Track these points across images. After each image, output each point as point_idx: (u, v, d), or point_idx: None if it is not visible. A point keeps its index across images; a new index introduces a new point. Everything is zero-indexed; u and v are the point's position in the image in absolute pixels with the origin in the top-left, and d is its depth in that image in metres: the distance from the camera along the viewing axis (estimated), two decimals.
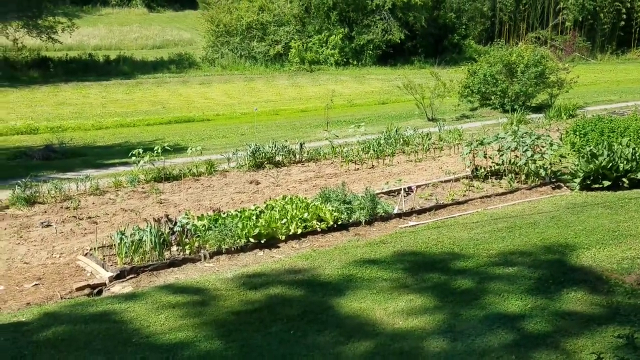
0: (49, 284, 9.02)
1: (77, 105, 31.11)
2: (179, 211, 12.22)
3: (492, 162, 14.24)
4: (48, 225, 11.79)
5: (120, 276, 8.95)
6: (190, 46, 51.42)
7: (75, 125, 26.03)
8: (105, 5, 68.14)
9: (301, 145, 17.56)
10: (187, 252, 9.67)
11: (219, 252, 9.72)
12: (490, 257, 8.95)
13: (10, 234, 11.37)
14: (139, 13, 66.85)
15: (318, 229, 10.64)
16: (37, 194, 13.51)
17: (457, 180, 13.86)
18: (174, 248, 9.76)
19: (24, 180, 13.62)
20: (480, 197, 12.63)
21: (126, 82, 38.59)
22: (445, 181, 13.88)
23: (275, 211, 10.73)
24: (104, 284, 8.81)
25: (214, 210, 11.18)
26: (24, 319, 7.52)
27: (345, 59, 46.03)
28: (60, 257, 10.16)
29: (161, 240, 9.48)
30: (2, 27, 41.44)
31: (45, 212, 12.77)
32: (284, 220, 10.45)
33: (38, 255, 10.30)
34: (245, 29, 46.34)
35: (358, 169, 16.26)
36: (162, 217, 10.13)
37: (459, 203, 12.26)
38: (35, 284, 9.01)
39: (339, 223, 10.92)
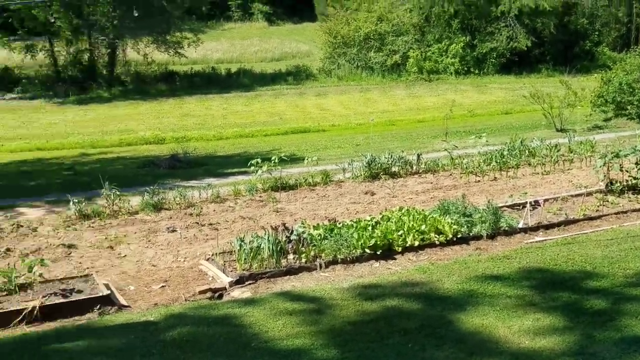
0: (174, 286, 9.34)
1: (200, 117, 32.37)
2: (295, 220, 12.32)
3: (629, 176, 13.28)
4: (173, 231, 12.26)
5: (239, 281, 9.11)
6: (307, 58, 52.28)
7: (198, 136, 27.06)
8: (228, 20, 70.69)
9: (418, 156, 17.19)
10: (304, 260, 9.70)
11: (334, 262, 9.68)
12: (627, 277, 8.36)
13: (140, 238, 11.92)
14: (260, 27, 68.79)
15: (436, 241, 10.36)
16: (164, 201, 14.09)
17: (589, 194, 13.02)
18: (291, 256, 9.82)
19: (152, 187, 14.28)
20: (616, 213, 11.85)
21: (246, 94, 39.77)
22: (576, 195, 13.10)
23: (392, 222, 10.56)
24: (224, 289, 9.00)
25: (329, 220, 11.17)
26: (152, 319, 7.80)
27: (466, 68, 44.98)
28: (184, 261, 10.51)
29: (278, 248, 9.58)
30: (134, 43, 44.01)
31: (171, 217, 13.29)
32: (401, 231, 10.26)
33: (164, 258, 10.71)
34: (362, 39, 46.43)
35: (479, 181, 15.75)
36: (279, 226, 10.24)
37: (591, 219, 11.54)
38: (162, 286, 9.35)
39: (459, 236, 10.57)
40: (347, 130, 28.11)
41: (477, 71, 44.97)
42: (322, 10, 60.45)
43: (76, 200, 13.37)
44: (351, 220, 10.90)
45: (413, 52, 44.84)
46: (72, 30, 41.04)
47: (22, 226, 12.83)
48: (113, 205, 13.67)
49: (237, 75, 44.86)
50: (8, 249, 11.39)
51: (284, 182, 15.60)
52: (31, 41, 42.32)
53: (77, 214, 13.28)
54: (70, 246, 11.52)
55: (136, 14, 26.09)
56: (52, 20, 39.67)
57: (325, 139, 25.56)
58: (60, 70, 42.13)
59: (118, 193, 13.72)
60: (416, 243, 10.20)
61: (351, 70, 45.63)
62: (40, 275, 8.97)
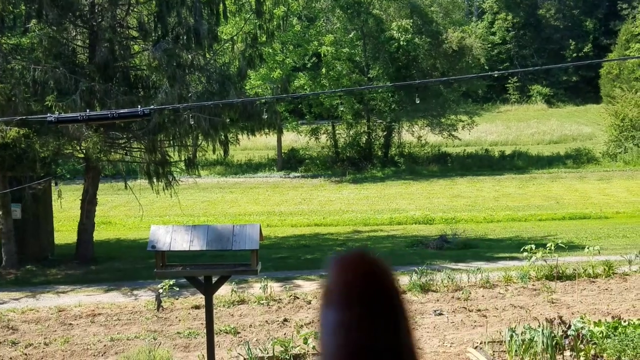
0: None
1: (471, 198, 32.07)
2: (572, 313, 11.37)
3: None
4: (440, 314, 12.06)
5: None
6: (589, 141, 49.38)
7: (468, 218, 26.74)
8: (505, 102, 70.23)
9: None
10: (582, 359, 8.79)
11: None
12: None
13: None
14: (538, 109, 67.08)
15: None
16: (431, 282, 14.03)
17: None
18: (567, 353, 9.02)
19: (420, 268, 14.32)
20: None
21: (519, 176, 38.65)
22: None
23: None
24: None
25: (613, 317, 10.09)
26: None
27: None
28: (450, 346, 10.22)
29: (554, 343, 8.85)
30: (409, 126, 45.73)
31: (438, 300, 13.12)
32: None
33: (430, 342, 10.53)
34: None
35: None
36: (554, 318, 9.51)
37: None
38: None
39: None
40: (634, 218, 25.63)
41: None
42: (608, 91, 57.22)
43: None
44: (639, 319, 9.71)
45: None
46: (353, 114, 44.06)
47: (298, 298, 13.64)
48: None
49: (511, 157, 43.95)
50: (285, 319, 12.14)
51: (560, 271, 14.59)
52: (316, 125, 46.26)
53: None
54: None
55: (417, 101, 27.17)
56: (336, 107, 43.17)
57: (608, 226, 23.56)
58: (340, 151, 45.23)
59: None
60: None
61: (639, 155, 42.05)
62: (314, 347, 9.31)
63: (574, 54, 72.70)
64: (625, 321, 9.69)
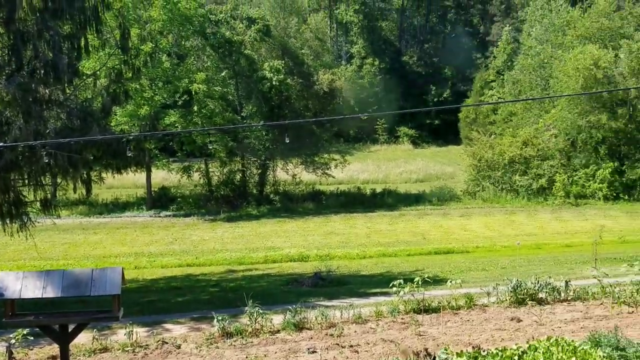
0: None
1: (344, 235, 32.96)
2: (438, 345, 11.99)
3: None
4: (314, 352, 12.23)
5: None
6: (451, 179, 52.39)
7: (342, 254, 27.42)
8: (375, 142, 73.06)
9: (567, 282, 16.40)
10: None
11: None
12: None
13: (280, 358, 11.99)
14: (405, 149, 70.37)
15: None
16: (305, 320, 14.17)
17: None
18: None
19: (294, 306, 14.44)
20: None
21: (390, 213, 40.21)
22: None
23: (539, 353, 9.98)
24: None
25: (473, 347, 10.78)
26: None
27: (615, 194, 43.31)
28: None
29: None
30: (284, 164, 46.44)
31: (312, 338, 13.33)
32: None
33: None
34: (507, 163, 46.17)
35: (632, 312, 14.65)
36: (421, 351, 10.02)
37: None
38: None
39: None
40: (492, 252, 27.41)
41: (626, 197, 43.18)
42: (466, 134, 61.05)
43: (220, 318, 13.65)
44: (496, 349, 10.43)
45: (559, 176, 43.94)
46: (227, 152, 44.07)
47: (166, 343, 13.23)
48: (255, 323, 13.82)
49: (382, 195, 45.68)
50: None
51: (427, 305, 15.32)
52: (188, 162, 45.75)
53: (220, 331, 13.51)
54: None
55: (287, 140, 27.47)
56: (209, 144, 43.02)
57: (469, 260, 25.03)
58: (214, 189, 44.94)
59: (261, 311, 13.92)
60: None
61: (496, 193, 45.25)
62: None
63: (435, 99, 77.45)
64: (484, 351, 10.36)
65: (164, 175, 46.89)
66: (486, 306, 15.61)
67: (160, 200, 43.71)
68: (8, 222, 17.98)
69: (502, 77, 65.60)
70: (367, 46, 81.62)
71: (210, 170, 45.49)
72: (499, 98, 63.75)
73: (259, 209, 42.33)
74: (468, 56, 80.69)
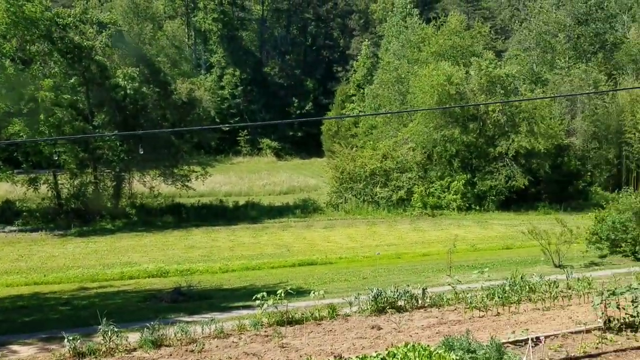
0: None
1: (206, 249, 32.26)
2: (300, 356, 11.94)
3: (626, 314, 13.39)
4: None
5: None
6: (315, 192, 53.04)
7: (204, 269, 26.79)
8: (237, 154, 72.64)
9: (424, 290, 17.07)
10: None
11: None
12: None
13: None
14: (268, 161, 70.56)
15: None
16: (164, 337, 13.72)
17: (588, 331, 12.95)
18: None
19: (152, 323, 13.91)
20: (615, 351, 11.85)
21: (253, 226, 39.94)
22: (576, 332, 13.05)
23: (398, 358, 10.18)
24: None
25: (335, 356, 10.80)
26: None
27: (467, 204, 45.71)
28: None
29: None
30: (141, 176, 44.75)
31: (171, 355, 12.87)
32: None
33: None
34: (368, 175, 47.40)
35: (483, 316, 15.47)
36: None
37: (591, 356, 11.58)
38: None
39: None
40: (354, 262, 27.92)
41: (478, 207, 45.76)
42: (329, 146, 62.25)
43: (71, 338, 12.99)
44: (357, 357, 10.53)
45: (417, 188, 45.76)
46: (78, 163, 41.67)
47: None
48: (110, 342, 13.23)
49: (245, 207, 45.28)
50: None
51: (290, 317, 15.26)
52: (35, 174, 42.78)
53: (71, 352, 12.87)
54: None
55: (142, 152, 26.81)
56: (56, 157, 40.49)
57: (332, 271, 25.33)
58: (63, 202, 42.25)
59: (116, 329, 13.34)
60: None
61: (358, 204, 46.20)
62: None
63: (298, 111, 78.47)
64: (345, 359, 10.42)
65: (7, 188, 43.64)
66: (348, 316, 15.81)
67: (4, 215, 40.58)
68: None
69: (362, 90, 67.61)
70: (228, 56, 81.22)
71: (59, 182, 42.71)
72: (359, 111, 65.66)
73: (114, 223, 40.41)
74: (329, 69, 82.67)
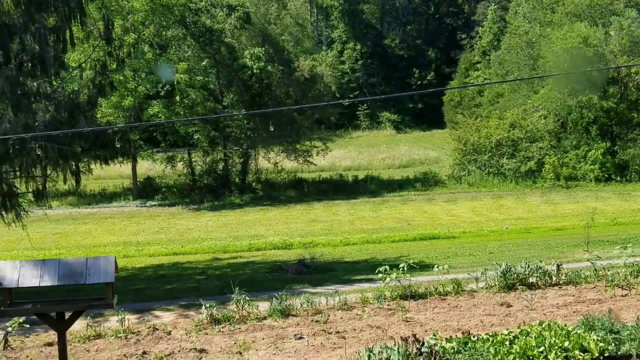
0: None
1: (327, 222, 32.74)
2: (425, 331, 11.88)
3: None
4: (301, 338, 12.16)
5: None
6: (436, 164, 52.27)
7: (325, 241, 27.22)
8: (356, 128, 72.77)
9: (558, 266, 16.20)
10: None
11: None
12: None
13: (268, 344, 11.90)
14: (387, 134, 70.15)
15: (581, 359, 9.52)
16: (291, 307, 14.13)
17: None
18: None
19: (280, 293, 14.39)
20: None
21: (373, 200, 40.03)
22: None
23: (531, 337, 9.86)
24: None
25: (462, 333, 10.62)
26: None
27: (606, 175, 42.89)
28: None
29: None
30: (266, 153, 46.11)
31: (298, 324, 13.22)
32: (542, 348, 9.52)
33: None
34: (494, 146, 45.93)
35: (626, 295, 14.58)
36: (409, 337, 9.86)
37: None
38: None
39: (606, 355, 9.68)
40: (479, 237, 27.28)
41: (619, 178, 42.72)
42: (451, 117, 60.86)
43: (208, 305, 13.70)
44: (486, 334, 10.30)
45: (549, 159, 43.47)
46: (209, 141, 43.80)
47: (157, 329, 13.26)
48: (242, 310, 13.87)
49: (364, 181, 45.47)
50: (145, 352, 11.73)
51: (413, 291, 15.19)
52: (172, 152, 45.45)
53: (208, 318, 13.58)
54: (201, 351, 11.70)
55: (272, 129, 27.73)
56: (192, 134, 42.60)
57: (455, 246, 24.88)
58: (197, 179, 44.65)
59: (247, 298, 13.94)
60: None
61: (482, 177, 44.89)
62: None
63: (418, 82, 77.09)
64: (474, 336, 10.23)
65: (148, 166, 46.63)
66: (474, 292, 15.48)
67: (145, 191, 43.41)
68: (3, 213, 17.97)
69: (488, 57, 65.24)
70: (348, 30, 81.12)
71: (193, 160, 45.13)
72: (484, 79, 63.53)
73: (242, 197, 42.02)
74: (452, 37, 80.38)
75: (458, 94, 65.46)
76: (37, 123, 17.05)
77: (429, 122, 72.97)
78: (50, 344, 12.48)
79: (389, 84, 76.24)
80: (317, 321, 13.30)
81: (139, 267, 22.91)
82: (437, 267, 15.98)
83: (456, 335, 10.42)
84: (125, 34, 34.75)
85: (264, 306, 14.24)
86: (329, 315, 13.52)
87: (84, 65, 21.47)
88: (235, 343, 12.04)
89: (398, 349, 9.26)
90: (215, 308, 13.69)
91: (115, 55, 20.21)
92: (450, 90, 65.61)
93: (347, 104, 67.27)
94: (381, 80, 77.41)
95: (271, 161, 46.17)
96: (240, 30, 45.21)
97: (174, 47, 43.27)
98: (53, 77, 18.32)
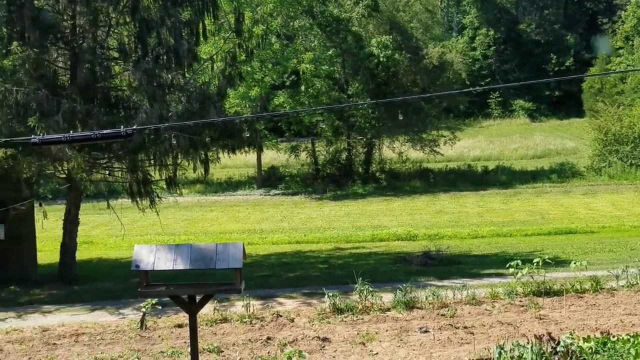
0: None
1: (454, 214, 31.92)
2: (560, 329, 11.23)
3: None
4: (426, 331, 11.88)
5: None
6: (573, 155, 49.61)
7: (452, 234, 26.57)
8: (487, 117, 70.45)
9: None
10: None
11: None
12: None
13: (392, 336, 11.69)
14: (521, 123, 67.37)
15: None
16: (416, 299, 13.84)
17: None
18: None
19: (404, 285, 14.12)
20: None
21: (503, 191, 38.64)
22: None
23: None
24: None
25: (601, 332, 9.92)
26: None
27: None
28: None
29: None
30: (390, 142, 45.68)
31: (423, 317, 12.92)
32: None
33: None
34: (638, 136, 42.95)
35: None
36: (543, 335, 9.33)
37: None
38: None
39: None
40: (620, 232, 25.62)
41: None
42: (591, 105, 57.62)
43: (331, 294, 13.70)
44: (627, 334, 9.58)
45: None
46: (333, 131, 44.02)
47: (281, 316, 13.44)
48: (365, 300, 13.75)
49: (495, 172, 43.95)
50: (269, 338, 11.90)
51: (548, 287, 14.44)
52: (296, 142, 46.12)
53: (330, 307, 13.58)
54: (324, 339, 11.68)
55: (401, 117, 27.41)
56: (316, 124, 42.99)
57: (594, 241, 23.47)
58: (320, 168, 45.04)
59: (371, 289, 13.79)
60: None
61: (624, 169, 42.17)
62: None
63: (556, 68, 73.24)
64: (614, 336, 9.55)
65: (272, 155, 47.62)
66: (614, 290, 14.56)
67: (269, 179, 44.46)
68: (138, 199, 18.94)
69: (631, 43, 61.06)
70: (481, 16, 78.52)
71: (316, 149, 45.58)
72: (627, 66, 59.54)
73: (365, 187, 41.86)
74: (593, 21, 75.85)
75: (599, 81, 61.67)
76: (170, 114, 17.70)
77: (567, 110, 69.24)
78: (179, 326, 12.97)
79: (523, 71, 73.04)
80: (443, 315, 12.96)
81: (262, 254, 23.39)
82: (575, 263, 15.03)
83: (594, 335, 9.76)
84: (255, 25, 35.56)
85: (387, 297, 14.04)
86: (455, 310, 13.14)
87: (214, 57, 22.13)
88: (358, 333, 11.94)
89: (531, 347, 8.80)
90: (337, 297, 13.67)
91: (244, 46, 20.68)
92: (590, 77, 61.96)
93: (478, 91, 65.22)
94: (515, 66, 74.35)
95: (396, 151, 45.65)
96: (368, 18, 44.97)
97: (300, 37, 43.77)
98: (186, 69, 18.96)
